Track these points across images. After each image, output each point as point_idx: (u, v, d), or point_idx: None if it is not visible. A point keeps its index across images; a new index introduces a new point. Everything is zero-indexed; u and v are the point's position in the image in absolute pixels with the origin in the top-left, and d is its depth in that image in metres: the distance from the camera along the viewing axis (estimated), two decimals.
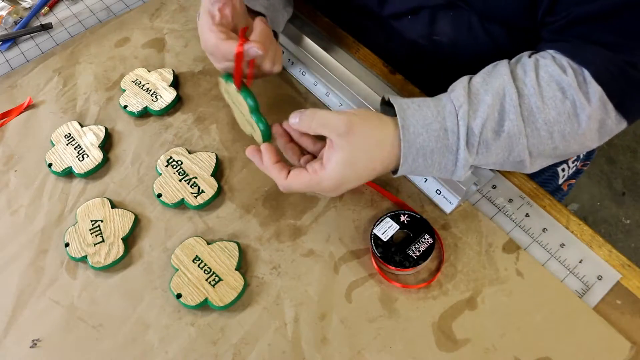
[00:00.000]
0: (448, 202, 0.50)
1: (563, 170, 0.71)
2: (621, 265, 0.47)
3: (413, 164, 0.42)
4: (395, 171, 0.45)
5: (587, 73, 0.42)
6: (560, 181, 0.72)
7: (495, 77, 0.44)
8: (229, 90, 0.50)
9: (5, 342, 0.47)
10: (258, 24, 0.50)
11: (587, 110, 0.42)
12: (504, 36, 0.53)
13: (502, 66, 0.44)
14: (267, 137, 0.48)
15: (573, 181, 0.75)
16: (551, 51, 0.45)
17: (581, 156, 0.73)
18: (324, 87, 0.59)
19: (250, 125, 0.49)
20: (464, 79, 0.44)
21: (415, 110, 0.42)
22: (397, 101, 0.43)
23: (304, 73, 0.62)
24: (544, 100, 0.42)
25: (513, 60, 0.46)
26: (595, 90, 0.42)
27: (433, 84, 0.53)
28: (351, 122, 0.41)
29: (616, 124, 0.44)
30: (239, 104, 0.49)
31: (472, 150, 0.42)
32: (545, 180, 0.70)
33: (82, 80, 0.66)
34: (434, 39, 0.57)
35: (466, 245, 0.49)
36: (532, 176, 0.53)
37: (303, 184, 0.43)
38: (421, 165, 0.43)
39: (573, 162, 0.72)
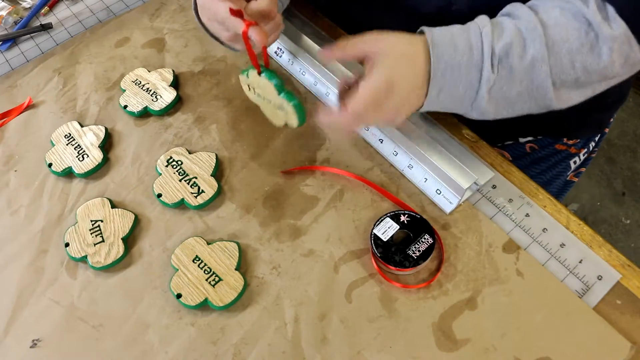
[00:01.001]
0: (448, 202, 0.50)
1: (575, 162, 0.72)
2: (621, 265, 0.47)
3: (442, 79, 0.44)
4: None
5: (610, 8, 0.43)
6: (569, 173, 0.73)
7: (517, 12, 0.45)
8: (252, 82, 0.49)
9: (5, 342, 0.47)
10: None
11: (610, 44, 0.42)
12: None
13: (521, 5, 0.46)
14: (302, 115, 0.47)
15: (583, 169, 0.76)
16: None
17: (591, 147, 0.73)
18: (323, 86, 0.59)
19: (282, 110, 0.48)
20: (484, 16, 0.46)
21: (443, 29, 0.45)
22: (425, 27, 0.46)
23: (303, 73, 0.62)
24: (568, 31, 0.43)
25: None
26: (619, 24, 0.42)
27: None
28: (384, 33, 0.45)
29: None
30: (265, 91, 0.48)
31: (494, 69, 0.43)
32: (558, 173, 0.70)
33: (82, 80, 0.66)
34: (452, 9, 0.56)
35: (466, 245, 0.49)
36: (544, 170, 0.52)
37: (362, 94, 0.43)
38: (449, 82, 0.44)
39: (583, 155, 0.73)
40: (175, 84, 0.64)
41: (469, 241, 0.49)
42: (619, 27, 0.42)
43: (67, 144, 0.59)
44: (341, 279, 0.48)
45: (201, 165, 0.56)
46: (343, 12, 0.67)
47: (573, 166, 0.72)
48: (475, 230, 0.50)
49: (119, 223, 0.53)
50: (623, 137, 1.62)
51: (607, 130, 0.74)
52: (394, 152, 0.54)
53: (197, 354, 0.45)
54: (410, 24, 0.57)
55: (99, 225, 0.52)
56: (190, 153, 0.57)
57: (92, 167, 0.57)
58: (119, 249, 0.51)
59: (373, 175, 0.54)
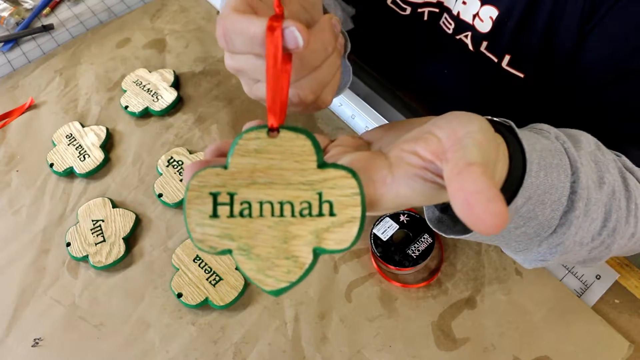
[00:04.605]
0: None
1: None
2: (619, 265, 0.47)
3: (536, 179, 0.29)
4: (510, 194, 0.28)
5: None
6: None
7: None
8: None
9: (7, 341, 0.48)
10: (325, 19, 0.28)
11: None
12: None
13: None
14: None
15: None
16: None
17: None
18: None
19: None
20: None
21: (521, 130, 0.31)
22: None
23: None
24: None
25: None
26: None
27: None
28: None
29: None
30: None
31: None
32: None
33: (83, 80, 0.67)
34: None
35: (465, 244, 0.49)
36: None
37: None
38: (542, 183, 0.29)
39: None
40: (176, 84, 0.64)
41: (468, 240, 0.49)
42: None
43: (68, 144, 0.59)
44: (341, 278, 0.48)
45: None
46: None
47: None
48: None
49: (120, 223, 0.53)
50: None
51: None
52: None
53: (198, 353, 0.46)
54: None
55: (100, 225, 0.53)
56: (190, 153, 0.57)
57: (94, 167, 0.57)
58: (120, 248, 0.51)
59: None
